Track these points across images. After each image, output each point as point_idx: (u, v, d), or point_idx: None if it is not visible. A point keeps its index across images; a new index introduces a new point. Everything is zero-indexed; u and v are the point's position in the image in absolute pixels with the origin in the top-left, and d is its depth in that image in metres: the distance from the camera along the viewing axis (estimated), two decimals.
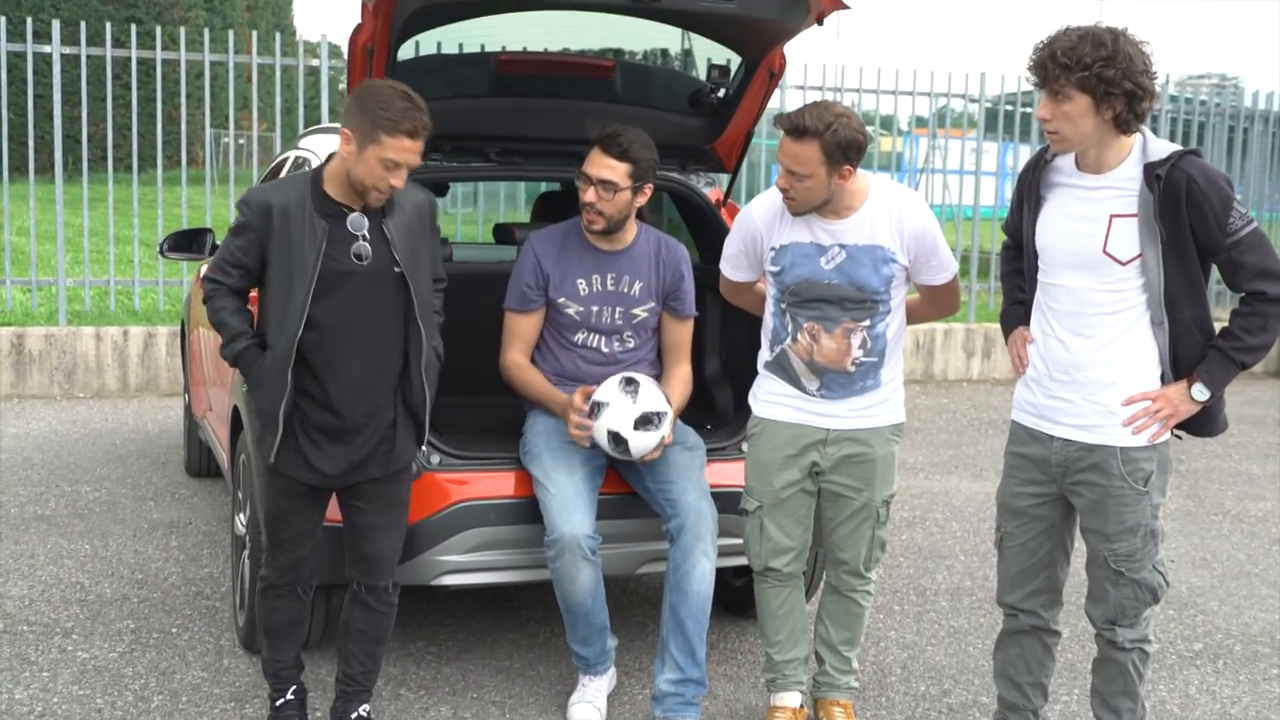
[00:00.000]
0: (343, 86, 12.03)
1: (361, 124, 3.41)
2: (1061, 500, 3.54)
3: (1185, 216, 3.23)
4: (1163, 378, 3.39)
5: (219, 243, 6.22)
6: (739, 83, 4.62)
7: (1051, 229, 3.42)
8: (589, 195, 4.13)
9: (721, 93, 4.70)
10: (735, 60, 4.64)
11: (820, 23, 4.17)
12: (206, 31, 10.06)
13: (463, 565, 4.08)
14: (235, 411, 4.63)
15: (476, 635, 4.78)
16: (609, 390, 4.05)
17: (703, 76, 4.93)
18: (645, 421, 4.01)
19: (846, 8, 4.08)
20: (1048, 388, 3.47)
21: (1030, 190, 3.49)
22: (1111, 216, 3.31)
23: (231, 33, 10.13)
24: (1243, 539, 6.51)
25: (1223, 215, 3.23)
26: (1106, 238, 3.31)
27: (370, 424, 3.61)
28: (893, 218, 3.74)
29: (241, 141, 26.33)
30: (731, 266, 4.00)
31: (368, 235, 3.53)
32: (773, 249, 3.80)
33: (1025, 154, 12.53)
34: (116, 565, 5.48)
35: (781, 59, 4.51)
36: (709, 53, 4.84)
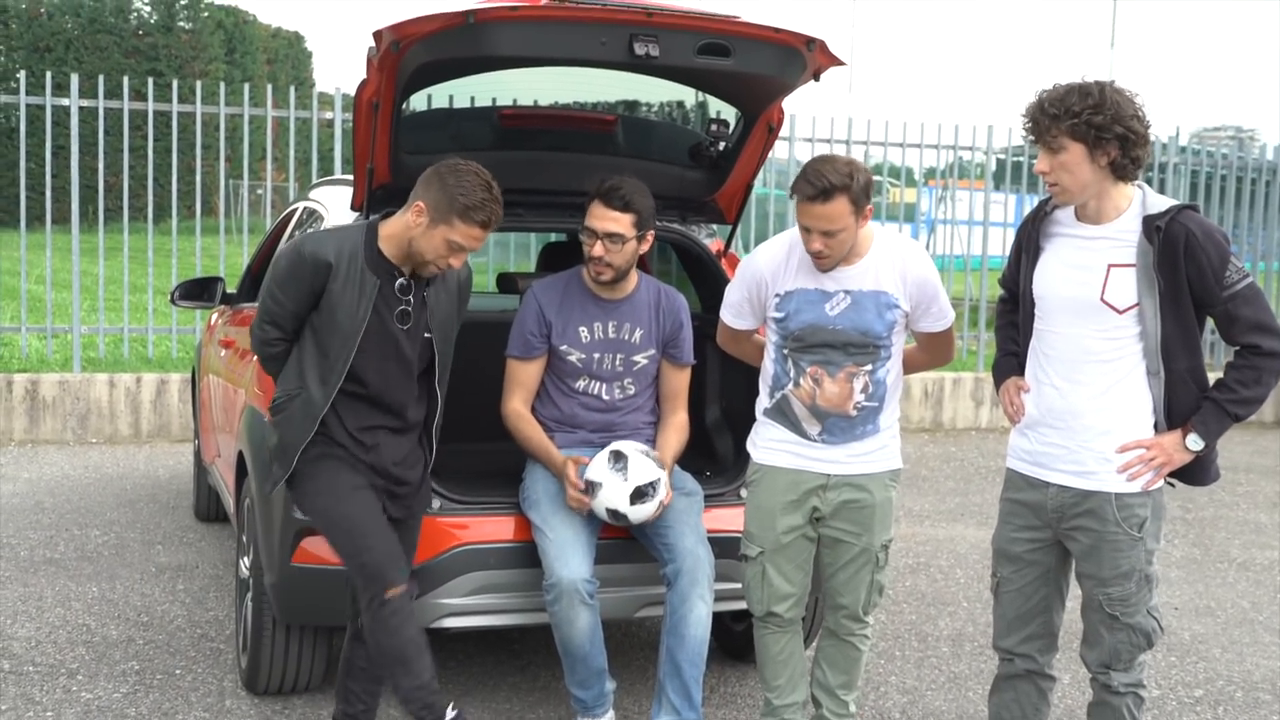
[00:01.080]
0: None
1: (440, 202, 3.52)
2: (1057, 545, 3.58)
3: (1183, 269, 3.31)
4: (1156, 426, 3.44)
5: (230, 291, 6.36)
6: (738, 136, 4.71)
7: (1049, 276, 3.49)
8: (596, 249, 4.21)
9: (721, 146, 4.78)
10: (735, 114, 4.72)
11: (817, 79, 4.25)
12: (223, 85, 10.23)
13: (463, 608, 4.13)
14: (240, 456, 4.70)
15: (477, 678, 4.82)
16: (600, 469, 4.11)
17: (657, 123, 5.05)
18: (640, 495, 4.08)
19: (842, 64, 4.17)
20: (1043, 434, 3.52)
21: (1029, 241, 3.57)
22: (1109, 266, 3.38)
23: (248, 86, 10.30)
24: (1248, 587, 6.52)
25: (1220, 269, 3.31)
26: (1104, 286, 3.38)
27: (404, 468, 3.74)
28: (896, 265, 3.81)
29: (260, 192, 26.61)
30: (734, 314, 4.04)
31: (410, 300, 3.66)
32: (777, 295, 3.85)
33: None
34: (123, 608, 5.54)
35: (780, 113, 4.59)
36: (719, 105, 4.94)
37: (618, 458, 4.11)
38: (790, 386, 3.85)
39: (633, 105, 5.21)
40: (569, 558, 4.02)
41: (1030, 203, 12.54)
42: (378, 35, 3.92)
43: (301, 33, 47.90)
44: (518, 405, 4.37)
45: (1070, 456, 3.47)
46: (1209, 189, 12.56)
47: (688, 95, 5.01)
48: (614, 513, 4.10)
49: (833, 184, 3.59)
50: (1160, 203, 3.37)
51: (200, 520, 7.07)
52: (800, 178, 3.66)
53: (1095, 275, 3.40)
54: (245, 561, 4.69)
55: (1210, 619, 5.93)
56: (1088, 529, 3.46)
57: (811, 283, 3.80)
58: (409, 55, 3.93)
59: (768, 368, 3.95)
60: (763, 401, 3.96)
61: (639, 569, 4.25)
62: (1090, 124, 3.26)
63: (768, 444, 3.94)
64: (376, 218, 3.74)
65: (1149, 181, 9.75)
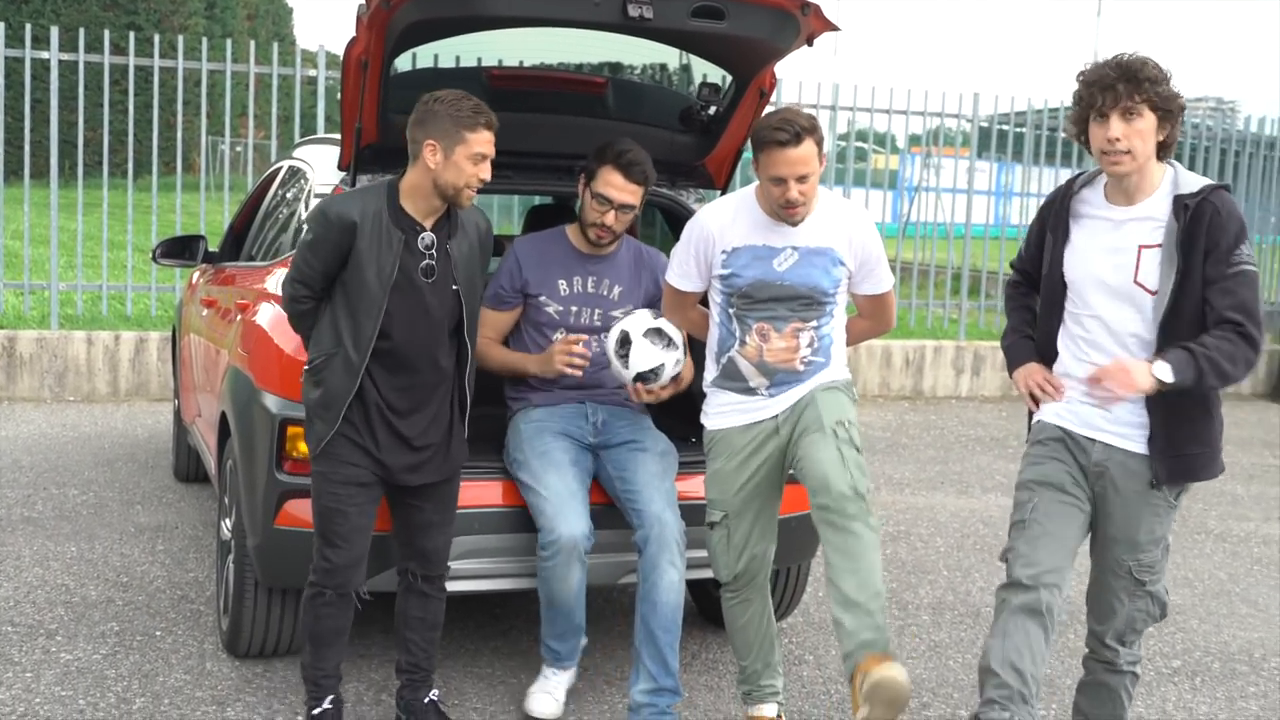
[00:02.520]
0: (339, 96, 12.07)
1: (445, 130, 3.62)
2: (1089, 500, 3.50)
3: (1203, 244, 3.29)
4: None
5: (213, 250, 6.30)
6: (729, 101, 4.66)
7: (1082, 260, 3.47)
8: (609, 218, 4.26)
9: (712, 110, 4.74)
10: (727, 78, 4.68)
11: (810, 43, 4.21)
12: (205, 40, 10.11)
13: (450, 574, 4.11)
14: (223, 417, 4.66)
15: (458, 642, 4.81)
16: (645, 352, 4.14)
17: (695, 93, 4.99)
18: (657, 333, 4.10)
19: (837, 29, 4.13)
20: (1087, 406, 3.47)
21: (1057, 222, 3.53)
22: (1140, 248, 3.38)
23: (230, 41, 10.19)
24: (1225, 558, 6.56)
25: (1233, 246, 3.31)
26: (1137, 268, 3.37)
27: (430, 430, 3.80)
28: (842, 224, 3.83)
29: (239, 149, 26.41)
30: (679, 275, 3.97)
31: (434, 254, 3.73)
32: (724, 252, 3.83)
33: (1019, 174, 12.62)
34: (102, 568, 5.50)
35: (772, 78, 4.55)
36: (707, 68, 4.89)
37: (622, 343, 4.11)
38: (736, 346, 3.83)
39: (622, 68, 5.16)
40: (568, 514, 4.02)
41: (1013, 172, 12.57)
42: None
43: None
44: (482, 338, 4.36)
45: (1116, 419, 3.42)
46: (1192, 160, 12.56)
47: (687, 56, 4.95)
48: (624, 336, 4.11)
49: (802, 127, 3.64)
50: (1193, 181, 3.36)
51: (179, 480, 7.03)
52: (767, 128, 3.65)
53: (1128, 258, 3.38)
54: (227, 523, 4.66)
55: (1188, 590, 5.96)
56: (1131, 491, 3.44)
57: (759, 239, 3.80)
58: (400, 13, 3.88)
59: (713, 334, 3.92)
60: (709, 374, 3.94)
61: (623, 535, 4.23)
62: (1162, 95, 3.29)
63: (718, 410, 3.92)
64: (395, 177, 3.79)
65: None
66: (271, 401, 4.10)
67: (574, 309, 4.39)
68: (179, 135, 10.06)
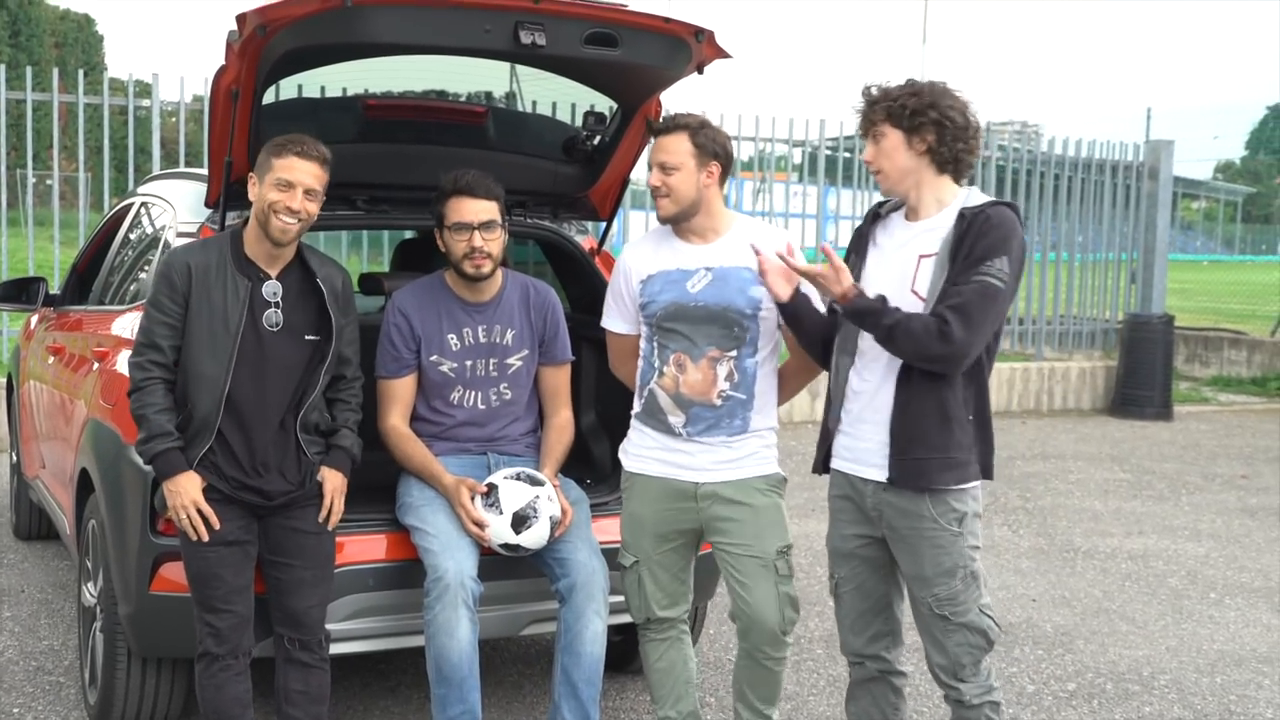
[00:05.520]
0: (173, 120, 11.58)
1: (262, 162, 3.60)
2: (886, 541, 3.51)
3: (965, 250, 3.26)
4: (972, 421, 3.36)
5: (53, 292, 5.91)
6: (615, 130, 4.54)
7: (870, 275, 3.46)
8: (476, 240, 4.03)
9: (596, 140, 4.60)
10: (612, 107, 4.55)
11: (700, 71, 4.12)
12: (30, 70, 9.57)
13: (342, 634, 3.87)
14: (84, 473, 4.32)
15: (345, 703, 4.55)
16: (480, 511, 3.91)
17: (530, 116, 4.92)
18: (521, 520, 3.88)
19: (729, 56, 4.05)
20: (863, 431, 3.45)
21: (860, 244, 3.55)
22: (920, 257, 3.37)
23: (57, 70, 9.68)
24: (1097, 575, 6.66)
25: (988, 253, 3.24)
26: (914, 277, 3.36)
27: (280, 478, 3.64)
28: (759, 245, 3.71)
29: (50, 182, 25.33)
30: (608, 315, 3.93)
31: (280, 302, 3.61)
32: (640, 282, 3.79)
33: (846, 197, 12.80)
34: None
35: (659, 107, 4.44)
36: (534, 95, 4.82)
37: (488, 492, 3.92)
38: (655, 378, 3.76)
39: (455, 94, 4.94)
40: (455, 551, 3.82)
41: (841, 195, 12.77)
42: (241, 19, 3.63)
43: (92, 15, 45.95)
44: (396, 421, 4.13)
45: (883, 452, 3.38)
46: (1000, 182, 12.81)
47: (516, 83, 4.79)
48: (508, 546, 3.90)
49: (677, 120, 3.71)
50: (981, 198, 3.37)
51: (20, 539, 6.57)
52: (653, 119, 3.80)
53: (908, 267, 3.38)
54: (90, 588, 4.32)
55: (1068, 609, 6.02)
56: (906, 526, 3.39)
57: (672, 263, 3.76)
58: (275, 40, 3.65)
59: (639, 367, 3.85)
60: (635, 406, 3.87)
61: (525, 585, 4.05)
62: (905, 106, 3.32)
63: (637, 451, 3.84)
64: (238, 225, 3.68)
65: None
66: None
67: (469, 363, 4.17)
68: (2, 169, 9.52)
